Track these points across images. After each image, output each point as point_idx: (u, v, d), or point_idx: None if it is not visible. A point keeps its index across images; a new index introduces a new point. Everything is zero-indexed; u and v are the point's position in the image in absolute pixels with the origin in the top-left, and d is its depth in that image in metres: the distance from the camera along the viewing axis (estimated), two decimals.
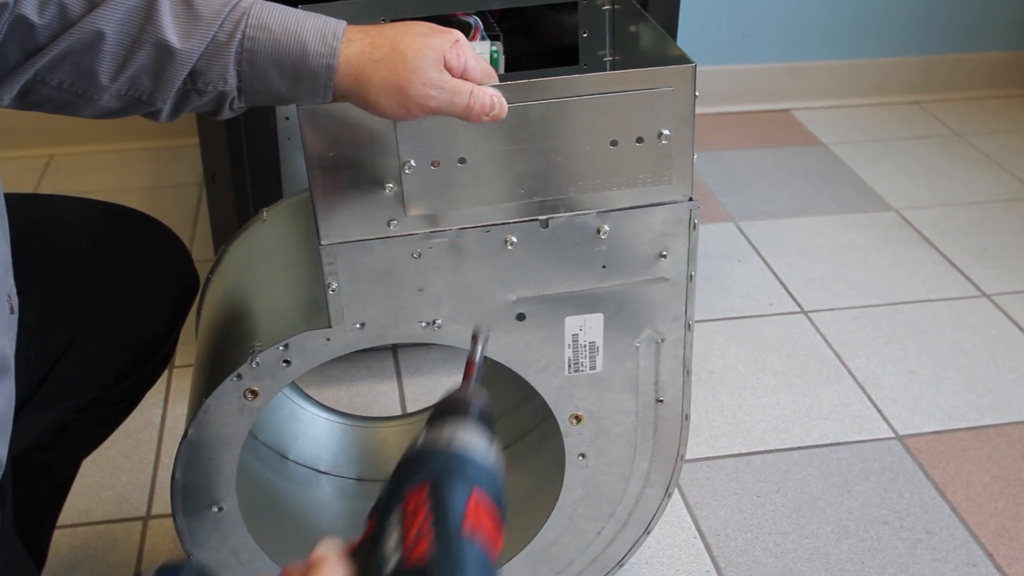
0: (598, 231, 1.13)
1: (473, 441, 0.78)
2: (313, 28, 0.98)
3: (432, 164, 1.06)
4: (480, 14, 1.65)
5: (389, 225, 1.09)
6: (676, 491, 1.70)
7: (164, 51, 0.97)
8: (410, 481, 0.74)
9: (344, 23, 1.00)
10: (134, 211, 1.31)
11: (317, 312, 1.14)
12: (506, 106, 1.00)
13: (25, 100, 0.99)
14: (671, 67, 1.07)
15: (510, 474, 1.52)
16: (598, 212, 1.12)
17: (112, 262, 1.22)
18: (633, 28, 1.31)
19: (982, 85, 3.31)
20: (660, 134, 1.09)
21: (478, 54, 1.03)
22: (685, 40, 1.74)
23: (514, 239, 1.13)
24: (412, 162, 1.05)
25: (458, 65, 0.99)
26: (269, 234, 1.36)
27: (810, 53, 3.18)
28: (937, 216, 2.58)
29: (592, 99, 1.06)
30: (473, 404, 0.82)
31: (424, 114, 0.99)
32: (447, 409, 0.82)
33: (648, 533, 1.39)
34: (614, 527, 1.37)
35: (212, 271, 1.39)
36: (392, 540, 0.71)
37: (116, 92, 0.99)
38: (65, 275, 1.14)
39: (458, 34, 1.01)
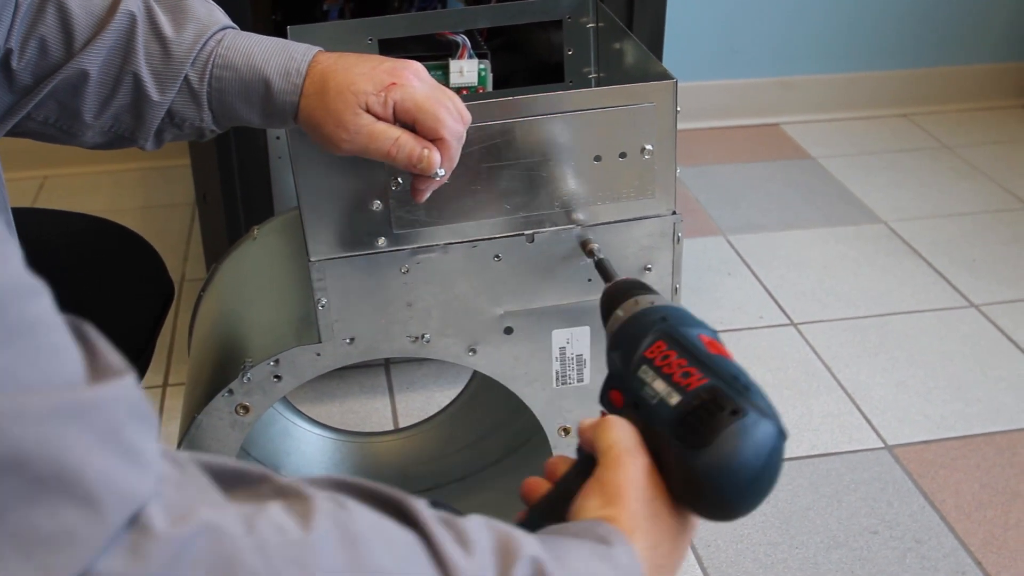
0: (583, 245, 1.14)
1: (666, 301, 0.83)
2: (277, 66, 0.99)
3: None
4: (468, 33, 1.66)
5: (377, 241, 1.10)
6: None
7: (142, 96, 0.99)
8: (640, 345, 0.78)
9: (312, 54, 0.99)
10: (107, 222, 1.33)
11: (307, 328, 1.15)
12: (437, 161, 0.96)
13: (12, 132, 1.01)
14: (653, 83, 1.08)
15: (500, 487, 1.54)
16: (583, 226, 1.13)
17: (87, 272, 1.23)
18: (617, 45, 1.32)
19: (970, 97, 3.33)
20: (643, 149, 1.10)
21: (437, 92, 0.99)
22: (674, 55, 1.75)
23: (500, 254, 1.13)
24: (399, 179, 1.06)
25: (383, 112, 0.96)
26: (259, 252, 1.38)
27: (799, 67, 3.20)
28: (926, 228, 2.60)
29: (575, 115, 1.07)
30: (636, 281, 0.86)
31: (344, 154, 0.98)
32: (619, 293, 0.86)
33: None
34: None
35: (204, 289, 1.40)
36: (659, 386, 0.74)
37: (100, 129, 1.01)
38: None
39: (402, 74, 0.97)
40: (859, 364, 2.09)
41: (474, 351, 1.18)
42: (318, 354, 1.15)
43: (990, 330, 2.19)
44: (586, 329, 1.20)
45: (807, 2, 3.09)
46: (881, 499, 1.74)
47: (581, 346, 1.21)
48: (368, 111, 0.95)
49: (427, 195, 1.02)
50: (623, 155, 1.10)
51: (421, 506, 0.58)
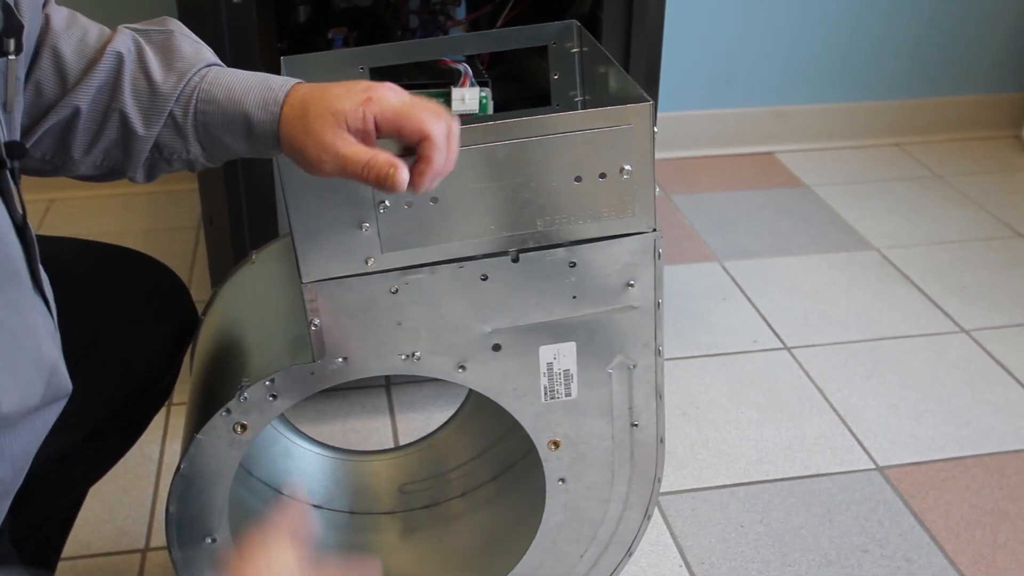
0: (567, 263, 1.15)
1: None
2: (256, 98, 1.00)
3: (406, 204, 1.08)
4: (469, 61, 1.68)
5: (367, 262, 1.10)
6: (662, 522, 1.74)
7: (128, 131, 1.03)
8: None
9: (291, 84, 1.01)
10: (132, 251, 1.34)
11: (302, 348, 1.16)
12: (402, 179, 0.94)
13: None
14: (629, 106, 1.09)
15: (498, 503, 1.55)
16: (566, 245, 1.14)
17: (111, 298, 1.25)
18: (602, 70, 1.33)
19: (962, 127, 3.34)
20: (622, 169, 1.10)
21: (414, 99, 0.98)
22: (671, 85, 1.77)
23: (487, 274, 1.14)
24: (387, 202, 1.07)
25: (363, 126, 0.95)
26: (257, 276, 1.39)
27: (793, 97, 3.21)
28: (917, 254, 2.62)
29: (555, 137, 1.08)
30: None
31: (326, 176, 0.98)
32: None
33: (630, 555, 1.41)
34: (596, 550, 1.38)
35: (204, 312, 1.42)
36: None
37: (92, 163, 1.05)
38: (65, 311, 1.17)
39: (377, 90, 0.97)
40: (851, 387, 2.10)
41: (464, 368, 1.19)
42: (312, 373, 1.16)
43: (980, 355, 2.20)
44: (572, 345, 1.20)
45: (801, 34, 3.11)
46: (872, 519, 1.75)
47: (568, 361, 1.21)
48: (348, 130, 0.96)
49: (424, 183, 0.98)
50: (603, 175, 1.10)
51: None
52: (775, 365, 2.17)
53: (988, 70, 3.30)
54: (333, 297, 1.12)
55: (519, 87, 1.85)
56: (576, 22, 1.37)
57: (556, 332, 1.19)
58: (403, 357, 1.17)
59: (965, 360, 2.19)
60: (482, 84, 1.69)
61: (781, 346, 2.23)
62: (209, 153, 1.05)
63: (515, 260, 1.13)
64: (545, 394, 1.23)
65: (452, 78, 1.68)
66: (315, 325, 1.13)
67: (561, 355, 1.21)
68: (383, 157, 0.95)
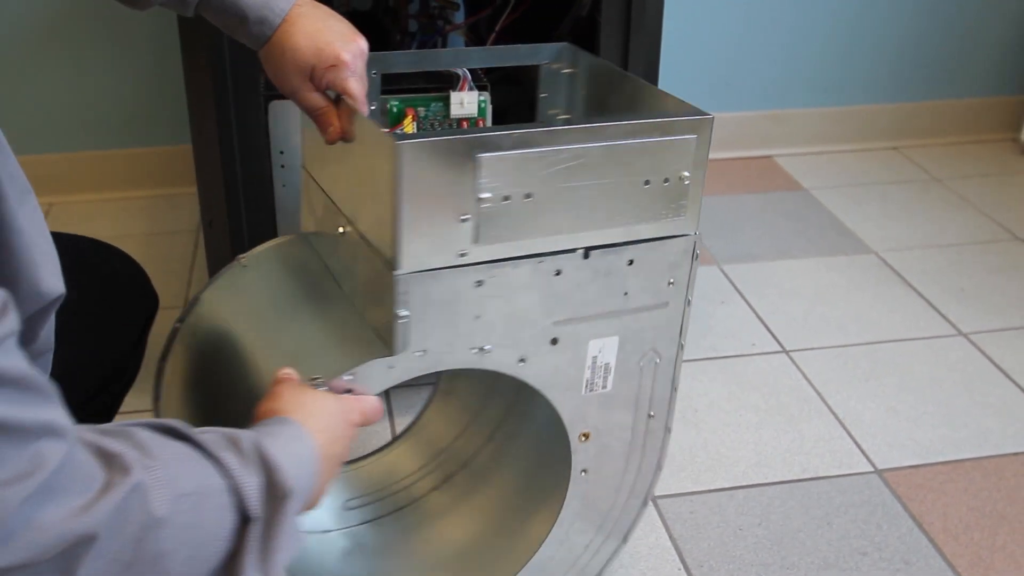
0: (627, 261, 1.28)
1: None
2: (256, 11, 1.25)
3: (504, 198, 1.17)
4: None
5: (460, 255, 1.18)
6: (661, 525, 1.87)
7: None
8: None
9: (283, 18, 1.27)
10: (87, 238, 1.46)
11: (371, 343, 1.23)
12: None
13: None
14: (697, 118, 1.24)
15: (506, 464, 1.65)
16: (630, 244, 1.27)
17: (70, 287, 1.31)
18: (618, 82, 1.48)
19: (959, 131, 3.52)
20: (681, 176, 1.25)
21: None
22: (669, 88, 1.90)
23: (560, 269, 1.24)
24: (488, 195, 1.16)
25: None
26: (257, 279, 1.42)
27: (792, 101, 3.38)
28: (916, 258, 2.79)
29: (638, 143, 1.22)
30: None
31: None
32: None
33: (625, 543, 1.52)
34: (599, 538, 1.52)
35: (182, 320, 1.41)
36: None
37: None
38: None
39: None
40: (850, 390, 2.24)
41: (524, 361, 1.28)
42: (391, 367, 1.21)
43: (978, 357, 2.36)
44: (615, 339, 1.34)
45: (799, 37, 3.28)
46: (871, 522, 1.87)
47: (609, 355, 1.35)
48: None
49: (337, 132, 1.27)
50: (667, 180, 1.25)
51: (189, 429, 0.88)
52: (774, 368, 2.30)
53: (986, 73, 3.40)
54: (424, 288, 1.19)
55: (517, 91, 1.96)
56: (569, 44, 1.53)
57: (605, 327, 1.32)
58: (474, 351, 1.25)
59: (963, 363, 2.33)
60: (480, 88, 1.79)
61: (780, 349, 2.37)
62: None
63: (586, 256, 1.26)
64: (586, 387, 1.36)
65: (451, 82, 1.77)
66: (403, 316, 1.19)
67: (605, 349, 1.34)
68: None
